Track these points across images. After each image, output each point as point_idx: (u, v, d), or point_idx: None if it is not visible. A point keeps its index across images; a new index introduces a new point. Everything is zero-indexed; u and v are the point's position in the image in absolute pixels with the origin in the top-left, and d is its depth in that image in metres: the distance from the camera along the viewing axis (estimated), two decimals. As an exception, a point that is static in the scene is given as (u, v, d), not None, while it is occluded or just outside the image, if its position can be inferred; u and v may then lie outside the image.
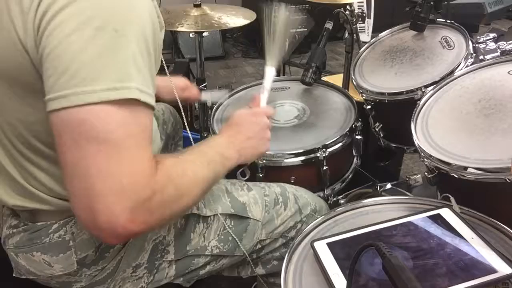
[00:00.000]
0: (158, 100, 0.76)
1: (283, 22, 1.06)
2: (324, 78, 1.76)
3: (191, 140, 1.00)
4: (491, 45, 1.24)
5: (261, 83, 1.52)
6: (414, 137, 1.04)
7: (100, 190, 0.58)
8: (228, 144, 0.88)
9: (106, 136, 0.58)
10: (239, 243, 0.93)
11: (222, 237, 0.92)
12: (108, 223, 0.59)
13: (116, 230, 0.60)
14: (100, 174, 0.58)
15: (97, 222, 0.59)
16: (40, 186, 0.74)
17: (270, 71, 1.08)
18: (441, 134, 1.02)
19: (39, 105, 0.65)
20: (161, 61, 0.75)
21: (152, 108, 0.64)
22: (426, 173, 1.02)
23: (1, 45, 0.63)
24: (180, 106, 0.98)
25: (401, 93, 1.25)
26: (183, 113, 0.98)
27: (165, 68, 0.91)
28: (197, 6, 1.66)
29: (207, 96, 1.42)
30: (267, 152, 1.11)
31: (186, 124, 1.01)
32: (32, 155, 0.72)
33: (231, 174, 1.08)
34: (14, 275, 0.84)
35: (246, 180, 1.07)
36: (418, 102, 1.14)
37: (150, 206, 0.62)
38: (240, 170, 1.09)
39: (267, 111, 1.00)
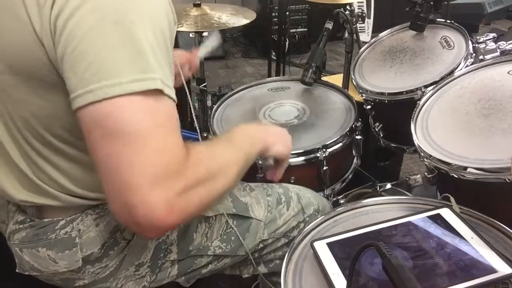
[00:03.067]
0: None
1: None
2: (324, 78, 1.76)
3: (199, 137, 1.00)
4: (491, 45, 1.24)
5: (261, 83, 1.54)
6: (414, 137, 1.04)
7: (134, 183, 0.57)
8: (255, 127, 0.89)
9: (133, 128, 0.58)
10: (242, 241, 0.93)
11: (225, 237, 0.92)
12: (145, 217, 0.57)
13: (154, 223, 0.58)
14: (131, 167, 0.57)
15: (134, 217, 0.58)
16: (50, 182, 0.74)
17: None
18: (441, 134, 1.02)
19: (53, 99, 0.66)
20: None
21: (174, 100, 0.64)
22: (426, 173, 1.02)
23: (17, 37, 0.63)
24: (187, 91, 0.95)
25: (401, 93, 1.25)
26: (192, 111, 0.96)
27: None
28: (197, 6, 1.66)
29: (203, 52, 1.42)
30: None
31: (196, 123, 1.00)
32: (44, 150, 0.72)
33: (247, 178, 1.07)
34: (17, 270, 0.83)
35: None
36: (418, 102, 1.14)
37: (186, 194, 0.61)
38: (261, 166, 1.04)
39: None
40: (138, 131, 0.58)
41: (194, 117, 0.95)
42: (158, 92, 0.60)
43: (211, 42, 1.45)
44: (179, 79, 0.97)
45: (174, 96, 0.63)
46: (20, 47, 0.63)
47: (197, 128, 0.96)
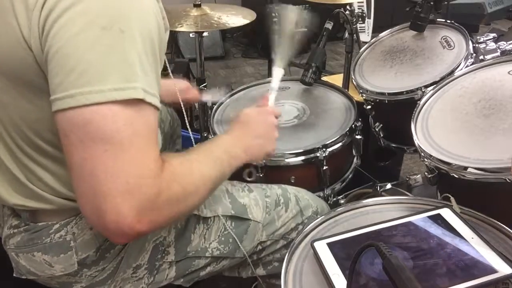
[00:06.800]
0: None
1: (290, 22, 1.09)
2: (324, 78, 1.75)
3: (192, 139, 1.00)
4: (491, 45, 1.24)
5: (261, 83, 1.54)
6: (414, 137, 1.04)
7: (107, 190, 0.58)
8: (235, 143, 0.88)
9: (112, 136, 0.58)
10: (239, 244, 0.92)
11: (223, 238, 0.92)
12: (115, 223, 0.59)
13: (123, 230, 0.60)
14: (106, 174, 0.58)
15: (104, 222, 0.59)
16: (42, 185, 0.74)
17: (278, 72, 1.09)
18: (441, 134, 1.02)
19: (42, 103, 0.65)
20: (165, 61, 0.75)
21: (157, 108, 0.64)
22: (426, 173, 1.02)
23: (5, 41, 0.63)
24: (183, 108, 0.97)
25: (401, 93, 1.25)
26: (184, 113, 0.97)
27: (169, 68, 0.91)
28: (197, 6, 1.66)
29: (208, 97, 1.44)
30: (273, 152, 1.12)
31: (187, 123, 1.00)
32: (34, 154, 0.72)
33: (235, 175, 1.07)
34: (14, 275, 0.84)
35: (252, 182, 1.07)
36: (418, 102, 1.14)
37: (156, 206, 0.62)
38: (247, 170, 1.08)
39: (274, 111, 1.02)
40: (116, 139, 0.58)
41: (185, 118, 0.95)
42: (139, 101, 0.60)
43: (218, 96, 1.47)
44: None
45: (157, 104, 0.64)
46: (8, 51, 0.63)
47: (188, 123, 0.97)
